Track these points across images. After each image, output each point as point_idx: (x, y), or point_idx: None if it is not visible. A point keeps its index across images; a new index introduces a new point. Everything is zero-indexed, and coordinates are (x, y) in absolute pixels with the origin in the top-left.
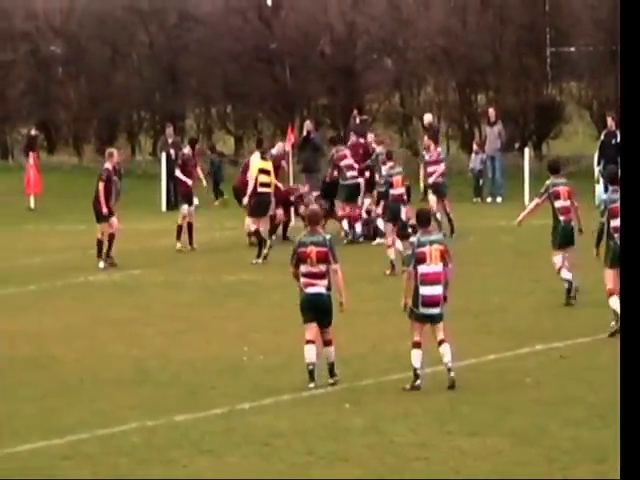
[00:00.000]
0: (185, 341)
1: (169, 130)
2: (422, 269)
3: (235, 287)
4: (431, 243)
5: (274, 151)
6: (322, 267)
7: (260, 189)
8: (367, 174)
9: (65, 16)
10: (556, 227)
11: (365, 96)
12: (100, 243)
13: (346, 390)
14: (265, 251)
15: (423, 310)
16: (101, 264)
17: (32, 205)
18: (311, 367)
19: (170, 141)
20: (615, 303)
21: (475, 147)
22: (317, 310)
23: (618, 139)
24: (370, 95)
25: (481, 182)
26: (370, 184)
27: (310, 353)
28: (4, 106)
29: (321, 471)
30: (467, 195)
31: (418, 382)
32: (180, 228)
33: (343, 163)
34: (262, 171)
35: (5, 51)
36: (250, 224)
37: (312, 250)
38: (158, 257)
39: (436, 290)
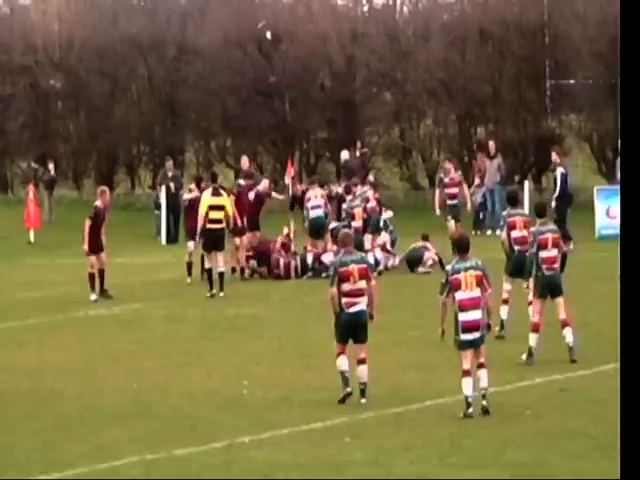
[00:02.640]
0: (185, 375)
1: (169, 164)
2: (459, 296)
3: (234, 321)
4: (466, 270)
5: (260, 187)
6: (363, 284)
7: (210, 225)
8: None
9: (64, 50)
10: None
11: (365, 129)
12: (91, 276)
13: (346, 423)
14: (213, 292)
15: (464, 336)
16: (93, 296)
17: (32, 239)
18: (346, 374)
19: (170, 174)
20: (532, 340)
21: (477, 180)
22: (356, 328)
23: (557, 172)
24: (370, 128)
25: (481, 215)
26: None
27: (344, 362)
28: (3, 140)
29: None
30: (467, 227)
31: (470, 410)
32: (189, 264)
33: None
34: (213, 207)
35: (4, 85)
36: (206, 260)
37: (354, 268)
38: (158, 290)
39: (475, 315)
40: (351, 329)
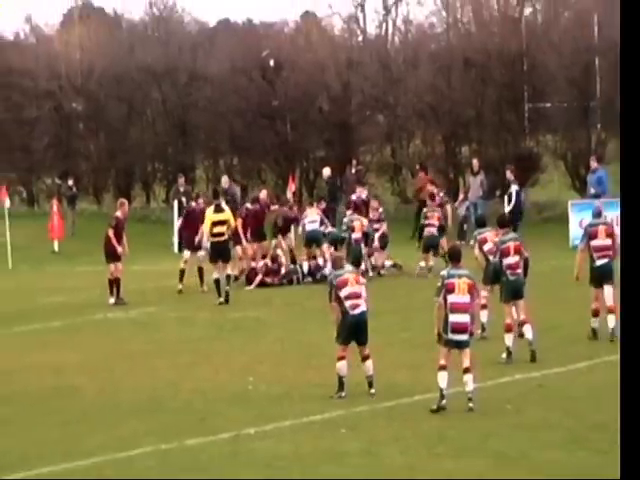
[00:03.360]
0: (195, 372)
1: (181, 180)
2: (451, 299)
3: (240, 323)
4: (459, 276)
5: (262, 195)
6: (359, 288)
7: (213, 239)
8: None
9: (85, 76)
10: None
11: (359, 148)
12: (110, 282)
13: (342, 416)
14: (221, 299)
15: (452, 336)
16: (111, 300)
17: (56, 248)
18: (344, 379)
19: (182, 190)
20: (508, 340)
21: (461, 195)
22: (359, 329)
23: (511, 189)
24: (364, 147)
25: (465, 227)
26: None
27: (344, 367)
28: (30, 158)
29: None
30: (452, 239)
31: (444, 402)
32: (182, 271)
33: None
34: (215, 223)
35: (31, 108)
36: (214, 271)
37: (349, 276)
38: (170, 295)
39: (464, 318)
40: (355, 330)
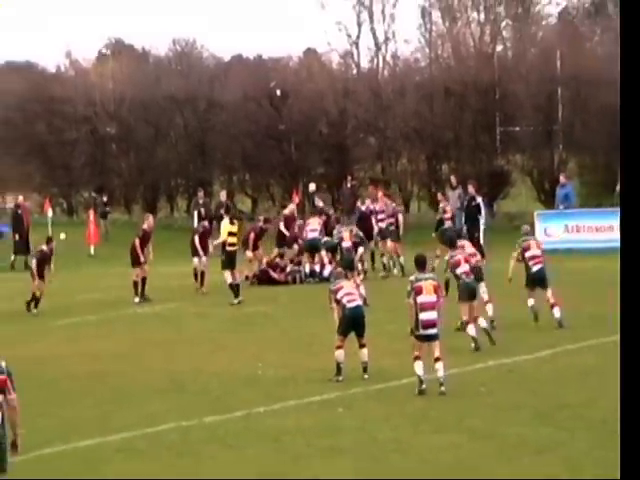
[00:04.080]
0: (212, 359)
1: (200, 193)
2: (420, 299)
3: (251, 317)
4: (425, 279)
5: (286, 211)
6: (354, 289)
7: (228, 248)
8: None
9: (117, 103)
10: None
11: (354, 166)
12: (135, 283)
13: (339, 397)
14: (239, 299)
15: (423, 331)
16: (136, 299)
17: (92, 252)
18: (341, 365)
19: (201, 202)
20: (471, 330)
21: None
22: (357, 322)
23: (478, 201)
24: (358, 165)
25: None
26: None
27: (341, 355)
28: (69, 174)
29: (319, 461)
30: (434, 243)
31: (423, 386)
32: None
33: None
34: (230, 234)
35: (70, 131)
36: (227, 276)
37: (344, 283)
38: (191, 293)
39: (432, 315)
40: (354, 323)
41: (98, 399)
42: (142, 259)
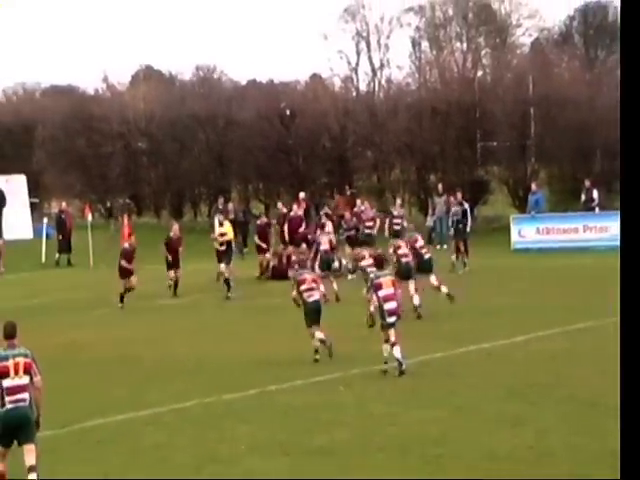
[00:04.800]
0: (230, 343)
1: (220, 200)
2: (381, 293)
3: (264, 308)
4: (384, 276)
5: (291, 213)
6: (316, 285)
7: (220, 247)
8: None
9: (147, 121)
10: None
11: (353, 176)
12: (170, 286)
13: (341, 377)
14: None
15: (389, 319)
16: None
17: None
18: (317, 349)
19: (220, 208)
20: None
21: (430, 211)
22: (316, 314)
23: (465, 206)
24: (356, 175)
25: (433, 235)
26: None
27: (316, 340)
28: (106, 183)
29: (323, 433)
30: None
31: (404, 367)
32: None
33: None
34: (221, 234)
35: (106, 146)
36: (224, 270)
37: (307, 276)
38: (211, 287)
39: (393, 305)
40: (313, 314)
41: (130, 379)
42: (173, 262)
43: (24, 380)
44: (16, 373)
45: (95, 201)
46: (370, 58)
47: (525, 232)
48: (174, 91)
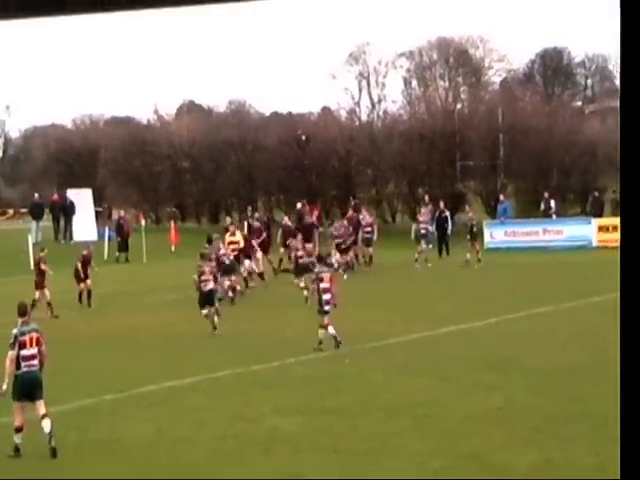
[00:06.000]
0: (256, 325)
1: (249, 209)
2: (322, 285)
3: (284, 297)
4: (325, 272)
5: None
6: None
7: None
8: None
9: (190, 145)
10: None
11: (356, 189)
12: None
13: (346, 352)
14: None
15: (325, 307)
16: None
17: (172, 250)
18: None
19: (249, 215)
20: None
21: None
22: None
23: (445, 214)
24: (358, 189)
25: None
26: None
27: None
28: (156, 196)
29: (332, 398)
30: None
31: (321, 345)
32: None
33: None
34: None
35: (157, 165)
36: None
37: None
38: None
39: (328, 296)
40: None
41: (175, 353)
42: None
43: (35, 350)
44: (30, 345)
45: (147, 210)
46: (370, 94)
47: (495, 234)
48: (211, 121)
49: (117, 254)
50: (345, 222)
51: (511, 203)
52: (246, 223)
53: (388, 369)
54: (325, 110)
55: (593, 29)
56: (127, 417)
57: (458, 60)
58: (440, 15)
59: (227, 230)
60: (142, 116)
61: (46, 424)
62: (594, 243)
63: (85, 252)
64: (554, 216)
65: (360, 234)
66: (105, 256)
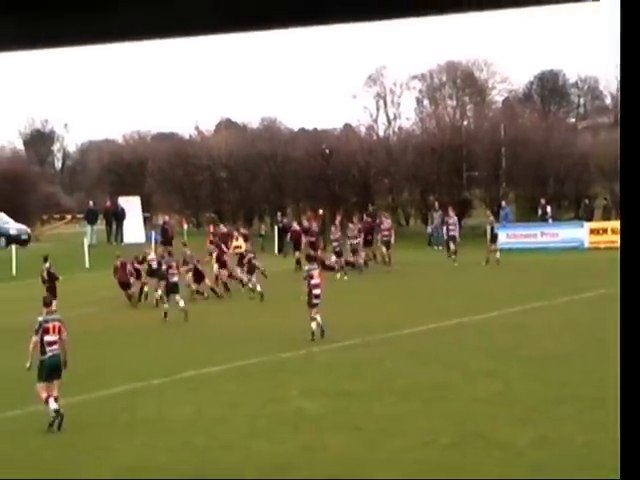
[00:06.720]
0: (281, 319)
1: (278, 214)
2: (312, 281)
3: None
4: (315, 269)
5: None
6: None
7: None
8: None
9: (227, 158)
10: None
11: (374, 197)
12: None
13: (361, 343)
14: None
15: (314, 301)
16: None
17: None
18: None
19: (279, 219)
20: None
21: (430, 222)
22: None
23: (455, 219)
24: (377, 196)
25: (432, 239)
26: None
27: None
28: (197, 203)
29: (349, 381)
30: (424, 245)
31: (315, 336)
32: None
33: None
34: (235, 247)
35: (198, 175)
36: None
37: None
38: (275, 278)
39: (318, 291)
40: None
41: (210, 342)
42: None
43: (56, 337)
44: (53, 332)
45: (189, 215)
46: (386, 112)
47: (498, 237)
48: (246, 136)
49: None
50: (353, 226)
51: (512, 209)
52: (276, 227)
53: (398, 357)
54: (347, 126)
55: (586, 54)
56: (171, 399)
57: (465, 81)
58: (449, 42)
59: (229, 234)
60: (185, 132)
61: (54, 404)
62: (586, 244)
63: (119, 262)
64: (550, 220)
65: (379, 237)
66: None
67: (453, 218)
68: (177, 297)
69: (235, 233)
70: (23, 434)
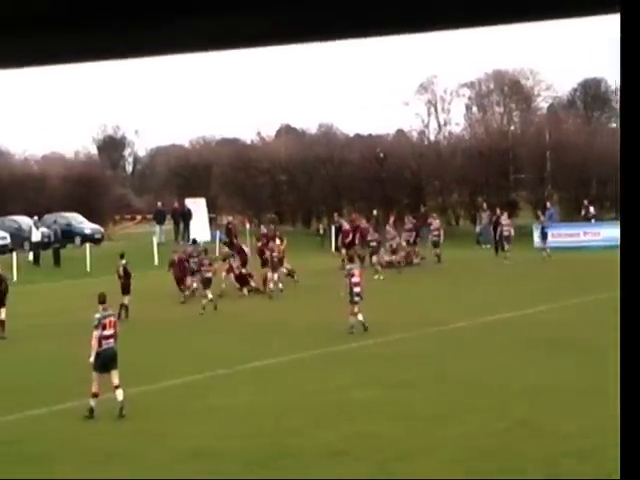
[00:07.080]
0: (299, 315)
1: (336, 214)
2: (353, 279)
3: (315, 287)
4: (356, 268)
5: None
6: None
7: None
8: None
9: (287, 161)
10: None
11: (425, 198)
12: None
13: (381, 341)
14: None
15: (355, 299)
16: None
17: None
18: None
19: (336, 219)
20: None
21: (478, 221)
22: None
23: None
24: (427, 198)
25: (480, 239)
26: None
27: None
28: (259, 204)
29: (372, 369)
30: (473, 244)
31: (354, 330)
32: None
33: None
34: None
35: (259, 178)
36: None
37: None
38: (323, 274)
39: (358, 288)
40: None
41: (269, 336)
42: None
43: (112, 331)
44: (109, 327)
45: (251, 215)
46: (437, 118)
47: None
48: (304, 141)
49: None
50: (388, 228)
51: (556, 209)
52: (333, 227)
53: (412, 352)
54: (399, 132)
55: None
56: (236, 388)
57: (512, 89)
58: (496, 51)
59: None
60: (247, 137)
61: (119, 393)
62: None
63: (176, 256)
64: (593, 220)
65: (429, 236)
66: (217, 253)
67: (507, 220)
68: (207, 291)
69: (278, 233)
70: (95, 421)
